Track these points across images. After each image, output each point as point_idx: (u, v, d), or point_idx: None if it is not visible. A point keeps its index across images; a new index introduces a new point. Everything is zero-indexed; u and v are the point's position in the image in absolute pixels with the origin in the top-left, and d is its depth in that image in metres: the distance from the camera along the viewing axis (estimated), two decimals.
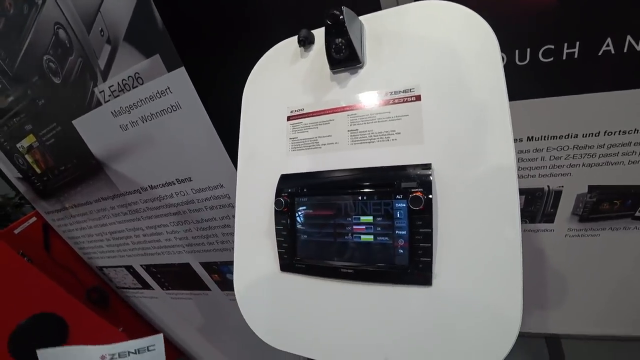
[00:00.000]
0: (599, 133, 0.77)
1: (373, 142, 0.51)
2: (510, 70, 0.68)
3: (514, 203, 0.42)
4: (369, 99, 0.52)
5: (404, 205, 0.46)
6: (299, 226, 0.54)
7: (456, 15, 0.49)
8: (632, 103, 0.71)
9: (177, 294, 1.54)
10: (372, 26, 0.55)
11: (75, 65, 0.91)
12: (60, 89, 0.99)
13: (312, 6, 0.79)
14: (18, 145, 1.25)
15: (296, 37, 0.58)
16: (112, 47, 0.83)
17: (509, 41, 0.70)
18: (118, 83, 0.88)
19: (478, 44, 0.46)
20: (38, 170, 1.31)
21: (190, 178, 1.02)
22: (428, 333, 0.45)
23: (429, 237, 0.45)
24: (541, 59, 0.70)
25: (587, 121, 0.76)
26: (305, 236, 0.54)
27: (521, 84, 0.74)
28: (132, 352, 0.85)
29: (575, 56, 0.68)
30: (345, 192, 0.51)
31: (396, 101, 0.50)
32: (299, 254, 0.54)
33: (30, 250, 1.48)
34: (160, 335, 0.87)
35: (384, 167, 0.49)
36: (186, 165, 1.00)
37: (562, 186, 0.86)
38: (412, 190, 0.46)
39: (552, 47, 0.69)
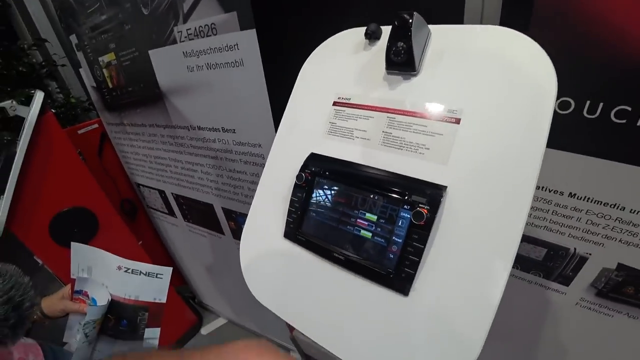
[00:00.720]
0: None
1: (402, 149, 0.52)
2: (576, 120, 0.67)
3: (513, 247, 0.42)
4: (412, 108, 0.53)
5: (408, 216, 0.47)
6: (311, 203, 0.57)
7: (523, 49, 0.47)
8: None
9: (195, 229, 1.64)
10: (438, 38, 0.54)
11: (164, 3, 0.97)
12: (146, 19, 1.06)
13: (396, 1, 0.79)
14: (100, 58, 1.36)
15: (365, 28, 0.59)
16: None
17: (583, 88, 0.65)
18: (195, 28, 0.93)
19: (534, 85, 0.45)
20: (110, 85, 1.41)
21: (234, 130, 1.08)
22: (390, 336, 0.47)
23: (419, 252, 0.46)
24: (613, 118, 0.64)
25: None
26: (314, 214, 0.57)
27: (583, 137, 0.69)
28: (143, 273, 0.91)
29: None
30: (361, 187, 0.53)
31: (436, 118, 0.50)
32: (303, 227, 0.57)
33: (86, 151, 1.63)
34: (170, 269, 0.92)
35: (403, 175, 0.51)
36: (234, 118, 1.05)
37: (590, 254, 0.80)
38: (420, 205, 0.47)
39: (629, 109, 0.62)
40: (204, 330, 2.06)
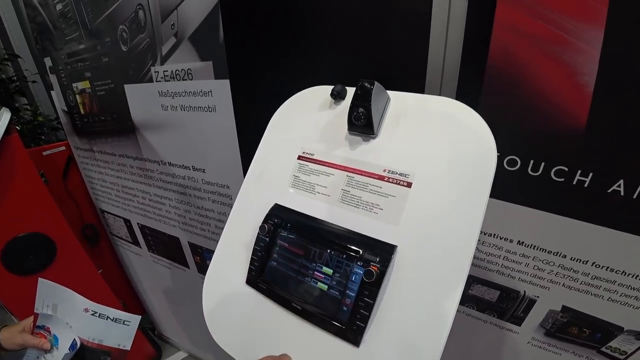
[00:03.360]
0: (587, 262, 0.77)
1: (358, 207, 0.56)
2: (521, 176, 0.74)
3: (454, 302, 0.46)
4: (369, 169, 0.57)
5: (361, 272, 0.51)
6: (273, 253, 0.60)
7: (468, 121, 0.53)
8: (628, 247, 0.71)
9: (159, 260, 1.61)
10: (397, 104, 0.60)
11: (143, 43, 1.00)
12: (125, 56, 1.09)
13: (365, 63, 0.86)
14: (74, 85, 1.36)
15: (332, 87, 0.63)
16: (177, 41, 0.92)
17: (528, 149, 0.72)
18: (172, 71, 0.97)
19: (477, 154, 0.51)
20: (82, 111, 1.41)
21: (204, 170, 1.10)
22: None
23: (370, 307, 0.49)
24: (553, 176, 0.72)
25: (579, 247, 0.77)
26: (275, 263, 0.60)
27: (529, 191, 0.76)
28: (110, 318, 0.89)
29: (585, 185, 0.69)
30: (319, 241, 0.56)
31: (390, 180, 0.55)
32: (264, 275, 0.60)
33: (50, 172, 1.60)
34: (139, 317, 0.90)
35: (358, 233, 0.54)
36: (204, 158, 1.08)
37: (538, 296, 0.87)
38: (372, 263, 0.51)
39: (566, 169, 0.70)
40: None
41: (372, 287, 0.50)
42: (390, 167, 0.56)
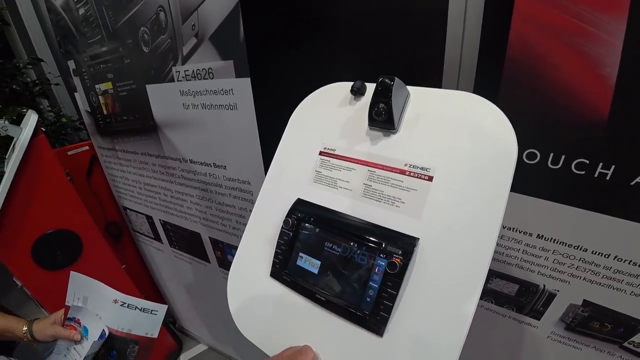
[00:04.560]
0: (609, 255, 0.76)
1: (380, 201, 0.57)
2: (541, 169, 0.73)
3: (476, 293, 0.47)
4: (390, 163, 0.58)
5: (384, 264, 0.52)
6: (296, 246, 0.62)
7: (488, 116, 0.54)
8: None
9: (181, 255, 1.65)
10: (417, 100, 0.61)
11: (164, 44, 1.02)
12: (146, 57, 1.11)
13: (382, 58, 0.87)
14: (97, 86, 1.40)
15: (351, 83, 0.64)
16: (197, 41, 0.93)
17: (548, 142, 0.72)
18: (193, 70, 0.99)
19: (498, 150, 0.51)
20: (105, 112, 1.45)
21: (225, 167, 1.13)
22: None
23: (393, 298, 0.51)
24: (573, 169, 0.71)
25: (601, 240, 0.76)
26: (299, 256, 0.61)
27: (549, 185, 0.76)
28: (138, 308, 0.92)
29: (607, 178, 0.69)
30: (342, 235, 0.58)
31: (411, 174, 0.56)
32: (288, 268, 0.61)
33: (74, 172, 1.66)
34: (165, 307, 0.93)
35: (380, 226, 0.55)
36: (226, 155, 1.10)
37: (558, 290, 0.86)
38: (395, 255, 0.52)
39: (587, 162, 0.69)
40: (183, 357, 2.03)
41: (395, 278, 0.51)
42: (411, 162, 0.57)
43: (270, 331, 0.62)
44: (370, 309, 0.52)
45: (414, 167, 0.56)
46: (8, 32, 2.23)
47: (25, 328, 0.89)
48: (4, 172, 1.25)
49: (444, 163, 0.54)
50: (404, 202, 0.56)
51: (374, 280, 0.53)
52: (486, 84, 0.76)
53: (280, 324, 0.61)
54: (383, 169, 0.59)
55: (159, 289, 2.07)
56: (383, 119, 0.58)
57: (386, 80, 0.57)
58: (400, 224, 0.54)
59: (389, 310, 0.51)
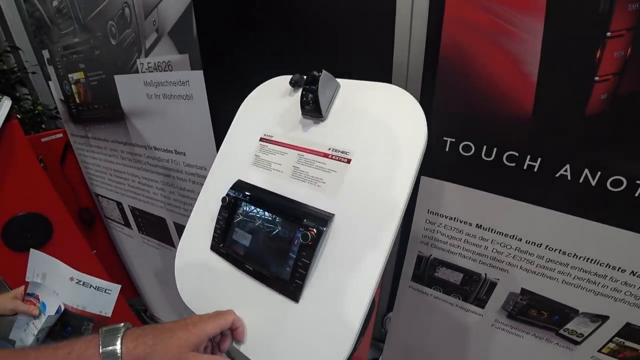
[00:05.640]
0: (541, 245, 0.79)
1: (305, 182, 0.62)
2: (476, 161, 0.76)
3: (381, 261, 0.51)
4: (316, 147, 0.63)
5: (300, 236, 0.57)
6: (232, 222, 0.67)
7: (405, 105, 0.58)
8: (576, 229, 0.73)
9: (149, 241, 1.69)
10: (346, 90, 0.66)
11: (129, 37, 1.08)
12: (114, 49, 1.16)
13: (333, 53, 0.93)
14: (70, 75, 1.43)
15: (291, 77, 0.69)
16: (158, 36, 0.99)
17: (481, 136, 0.74)
18: (154, 62, 1.05)
19: (409, 134, 0.56)
20: (77, 100, 1.49)
21: (184, 153, 1.18)
22: (281, 333, 0.57)
23: (306, 267, 0.55)
24: (505, 161, 0.74)
25: (532, 230, 0.79)
26: (234, 231, 0.67)
27: (485, 176, 0.78)
28: (93, 287, 0.95)
29: (535, 170, 0.71)
30: (270, 211, 0.63)
31: (333, 157, 0.60)
32: (225, 242, 0.67)
33: (48, 158, 1.67)
34: (119, 286, 0.97)
35: (302, 203, 0.60)
36: (184, 142, 1.16)
37: (499, 279, 0.88)
38: (310, 228, 0.58)
39: (516, 154, 0.72)
40: None
41: (309, 249, 0.56)
42: (334, 146, 0.62)
43: (207, 299, 0.67)
44: (288, 277, 0.57)
45: (336, 150, 0.61)
46: None
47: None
48: None
49: (361, 147, 0.59)
50: (324, 182, 0.60)
51: (293, 252, 0.58)
52: (428, 82, 0.81)
53: (215, 292, 0.66)
54: (310, 153, 0.64)
55: (130, 276, 2.09)
56: (311, 107, 0.63)
57: (315, 72, 0.62)
58: (320, 202, 0.59)
59: (303, 278, 0.56)
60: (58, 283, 0.94)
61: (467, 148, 0.77)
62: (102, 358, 0.47)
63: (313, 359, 0.53)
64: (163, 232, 1.53)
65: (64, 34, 1.34)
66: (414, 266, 1.02)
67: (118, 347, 0.48)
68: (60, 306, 0.92)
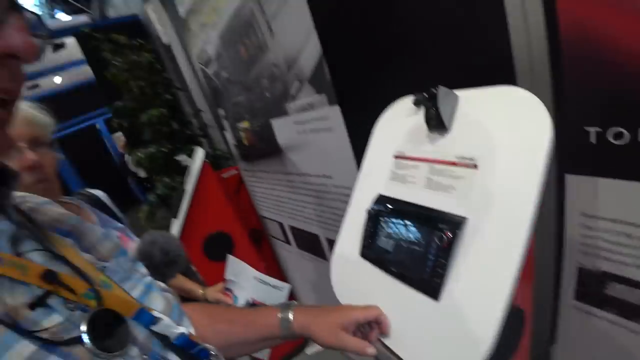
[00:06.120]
0: None
1: (437, 190, 0.67)
2: (632, 149, 0.65)
3: (516, 262, 0.52)
4: (444, 158, 0.68)
5: (437, 239, 0.63)
6: (377, 230, 0.76)
7: (526, 105, 0.58)
8: None
9: (304, 255, 1.93)
10: (465, 100, 0.69)
11: (279, 89, 1.34)
12: (269, 100, 1.45)
13: (447, 69, 0.96)
14: (238, 124, 1.83)
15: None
16: (300, 84, 1.21)
17: (634, 117, 0.63)
18: (300, 105, 1.27)
19: (533, 135, 0.55)
20: (246, 143, 1.88)
21: (331, 176, 1.36)
22: (423, 329, 0.62)
23: (444, 267, 0.60)
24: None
25: None
26: (379, 238, 0.77)
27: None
28: (270, 285, 1.20)
29: None
30: (409, 219, 0.70)
31: (460, 165, 0.64)
32: (372, 248, 0.76)
33: (227, 190, 2.09)
34: (288, 285, 1.19)
35: (437, 210, 0.66)
36: (330, 167, 1.33)
37: None
38: (445, 231, 0.63)
39: None
40: (308, 350, 2.18)
41: (445, 250, 0.61)
42: (460, 154, 0.65)
43: (357, 297, 0.78)
44: (428, 276, 0.62)
45: (462, 158, 0.64)
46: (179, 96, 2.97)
47: (201, 291, 1.25)
48: (185, 190, 1.75)
49: (486, 152, 0.61)
50: (455, 189, 0.64)
51: (431, 253, 0.63)
52: (555, 68, 0.74)
53: (364, 291, 0.77)
54: (439, 164, 0.68)
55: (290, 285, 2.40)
56: (435, 122, 0.69)
57: (432, 90, 0.68)
58: (453, 207, 0.63)
59: (441, 277, 0.60)
60: (246, 281, 1.21)
61: (618, 135, 0.67)
62: (279, 320, 0.68)
63: (452, 355, 0.57)
64: (317, 247, 1.74)
65: (233, 95, 1.73)
66: (575, 282, 0.84)
67: (290, 314, 0.69)
68: (248, 299, 1.18)
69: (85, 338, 0.40)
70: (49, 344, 0.39)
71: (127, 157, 6.13)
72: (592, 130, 0.71)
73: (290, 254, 2.12)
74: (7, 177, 0.48)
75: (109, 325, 0.44)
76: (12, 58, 0.38)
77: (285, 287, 1.18)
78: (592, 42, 0.65)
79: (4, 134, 0.40)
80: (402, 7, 1.00)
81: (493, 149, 0.61)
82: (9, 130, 0.40)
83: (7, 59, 0.38)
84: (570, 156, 0.75)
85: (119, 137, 6.35)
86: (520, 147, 0.57)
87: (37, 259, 0.45)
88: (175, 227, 1.74)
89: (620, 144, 0.68)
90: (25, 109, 0.89)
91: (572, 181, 0.79)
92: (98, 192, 1.26)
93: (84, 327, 0.41)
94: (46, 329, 0.40)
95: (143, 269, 0.62)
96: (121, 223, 1.20)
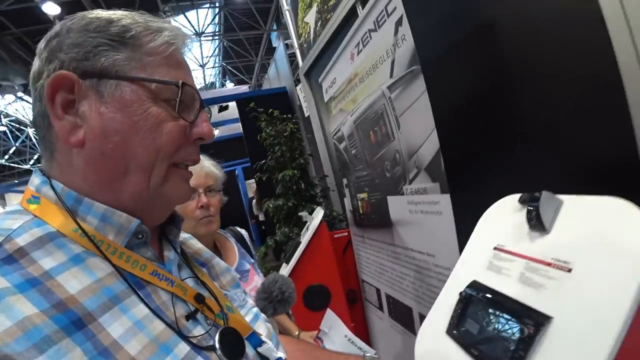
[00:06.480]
0: None
1: (529, 286, 0.73)
2: None
3: None
4: (540, 257, 0.74)
5: (519, 331, 0.69)
6: (466, 312, 0.84)
7: (628, 220, 0.62)
8: None
9: (395, 325, 1.96)
10: (571, 205, 0.75)
11: (398, 172, 1.56)
12: (387, 179, 1.68)
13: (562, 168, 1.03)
14: (357, 194, 2.10)
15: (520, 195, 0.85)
16: (417, 171, 1.41)
17: None
18: (415, 188, 1.46)
19: (630, 250, 0.59)
20: (361, 211, 2.11)
21: (434, 255, 1.45)
22: None
23: (522, 358, 0.66)
24: None
25: None
26: (466, 321, 0.86)
27: None
28: (358, 347, 1.28)
29: None
30: (498, 308, 0.78)
31: (555, 266, 0.70)
32: (458, 328, 0.84)
33: (335, 249, 2.28)
34: (374, 351, 1.23)
35: (525, 305, 0.71)
36: (434, 247, 1.44)
37: None
38: (529, 325, 0.69)
39: None
40: None
41: (526, 343, 0.66)
42: (556, 256, 0.71)
43: None
44: None
45: (558, 260, 0.70)
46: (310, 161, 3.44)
47: (297, 332, 1.43)
48: (300, 242, 2.02)
49: (582, 258, 0.66)
50: (546, 288, 0.70)
51: (512, 344, 0.69)
52: None
53: None
54: (535, 262, 0.75)
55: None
56: (535, 223, 0.77)
57: (535, 194, 0.78)
58: (541, 305, 0.69)
59: None
60: (337, 337, 1.34)
61: None
62: None
63: None
64: (408, 320, 1.78)
65: (357, 169, 2.02)
66: None
67: None
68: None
69: (218, 348, 0.52)
70: (196, 348, 0.50)
71: (253, 202, 7.09)
72: None
73: (381, 321, 2.16)
74: (177, 220, 0.64)
75: (231, 341, 0.55)
76: (201, 140, 0.57)
77: (371, 352, 1.26)
78: None
79: (189, 186, 0.59)
80: (517, 113, 1.14)
81: (590, 257, 0.66)
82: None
83: (198, 140, 0.57)
84: None
85: (251, 184, 7.46)
86: (618, 259, 0.60)
87: (190, 283, 0.58)
88: (285, 271, 2.00)
89: None
90: (207, 165, 1.31)
91: None
92: (242, 231, 1.63)
93: (216, 339, 0.53)
94: (195, 337, 0.52)
95: (251, 300, 0.75)
96: (253, 259, 1.51)
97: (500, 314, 0.77)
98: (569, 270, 0.67)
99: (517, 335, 0.70)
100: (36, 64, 0.52)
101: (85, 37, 0.50)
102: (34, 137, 15.39)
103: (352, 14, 2.10)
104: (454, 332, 0.86)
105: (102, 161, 0.50)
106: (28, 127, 14.86)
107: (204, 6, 10.16)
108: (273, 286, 1.26)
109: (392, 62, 1.42)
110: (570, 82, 1.05)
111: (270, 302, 1.23)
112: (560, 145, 1.08)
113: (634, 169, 0.91)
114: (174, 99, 0.53)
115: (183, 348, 0.48)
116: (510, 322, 0.74)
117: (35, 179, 0.53)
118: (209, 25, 11.02)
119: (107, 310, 0.44)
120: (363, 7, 1.90)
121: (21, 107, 12.94)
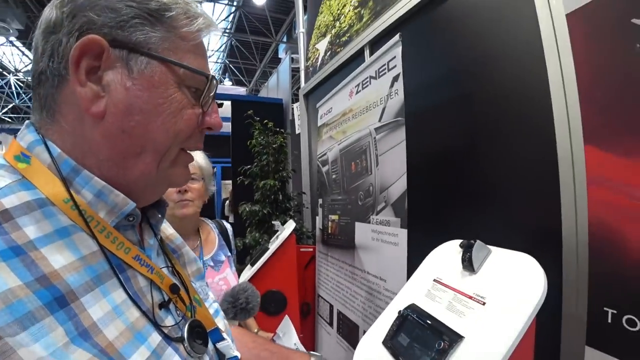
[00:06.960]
0: None
1: (453, 312, 0.91)
2: None
3: None
4: (465, 291, 0.89)
5: (438, 345, 0.88)
6: (400, 328, 1.04)
7: (531, 271, 0.79)
8: None
9: (341, 342, 2.09)
10: (495, 255, 0.92)
11: (369, 202, 1.75)
12: (359, 207, 1.87)
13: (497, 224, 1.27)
14: (330, 216, 2.26)
15: (461, 241, 1.05)
16: (385, 205, 1.61)
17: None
18: (380, 220, 1.65)
19: (529, 292, 0.75)
20: (329, 231, 2.26)
21: (386, 280, 1.61)
22: None
23: None
24: None
25: None
26: (400, 334, 1.04)
27: None
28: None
29: None
30: (426, 326, 0.97)
31: (474, 300, 0.89)
32: (392, 340, 1.02)
33: (299, 262, 2.40)
34: (320, 355, 1.40)
35: (446, 326, 0.88)
36: (387, 273, 1.61)
37: None
38: (445, 341, 0.89)
39: None
40: None
41: (441, 353, 0.81)
42: (477, 292, 0.87)
43: None
44: None
45: (477, 295, 0.89)
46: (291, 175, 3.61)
47: (256, 330, 1.55)
48: (268, 249, 2.16)
49: (494, 296, 0.82)
50: (465, 315, 0.90)
51: (430, 355, 0.87)
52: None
53: None
54: (461, 294, 0.94)
55: None
56: (467, 264, 0.97)
57: (471, 241, 0.99)
58: (458, 327, 0.87)
59: None
60: (288, 343, 1.48)
61: (631, 322, 0.79)
62: None
63: None
64: (354, 337, 1.91)
65: (334, 193, 2.21)
66: None
67: None
68: None
69: (186, 339, 0.52)
70: (167, 338, 0.49)
71: (227, 203, 7.13)
72: (609, 311, 0.88)
73: (329, 336, 2.28)
74: (161, 204, 0.61)
75: (198, 335, 0.55)
76: (208, 129, 0.55)
77: (318, 357, 1.40)
78: (614, 241, 0.84)
79: (189, 171, 0.58)
80: (471, 175, 1.38)
81: (498, 296, 0.87)
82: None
83: (205, 129, 0.55)
84: (590, 330, 0.91)
85: (227, 185, 7.49)
86: (516, 299, 0.78)
87: (165, 271, 0.56)
88: (248, 273, 2.10)
89: (632, 329, 0.80)
90: (198, 154, 1.45)
91: (590, 354, 0.94)
92: (227, 225, 1.77)
93: (185, 331, 0.52)
94: (167, 327, 0.51)
95: (212, 294, 0.75)
96: (230, 253, 1.65)
97: (426, 331, 0.96)
98: (484, 304, 0.87)
99: (436, 347, 0.89)
100: (52, 13, 0.46)
101: (123, 5, 0.46)
102: (15, 85, 14.21)
103: (359, 55, 2.36)
104: (388, 342, 1.03)
105: (121, 138, 0.47)
106: (11, 75, 13.92)
107: (222, 1, 10.28)
108: (242, 294, 1.38)
109: (383, 109, 1.63)
110: (514, 159, 1.31)
111: (234, 307, 1.35)
112: (500, 207, 1.32)
113: (553, 237, 1.14)
114: (198, 87, 0.52)
115: (156, 338, 0.47)
116: (432, 338, 0.92)
117: (29, 136, 0.47)
118: (222, 21, 11.12)
119: (89, 291, 0.41)
120: (370, 54, 2.15)
121: (9, 53, 11.96)
